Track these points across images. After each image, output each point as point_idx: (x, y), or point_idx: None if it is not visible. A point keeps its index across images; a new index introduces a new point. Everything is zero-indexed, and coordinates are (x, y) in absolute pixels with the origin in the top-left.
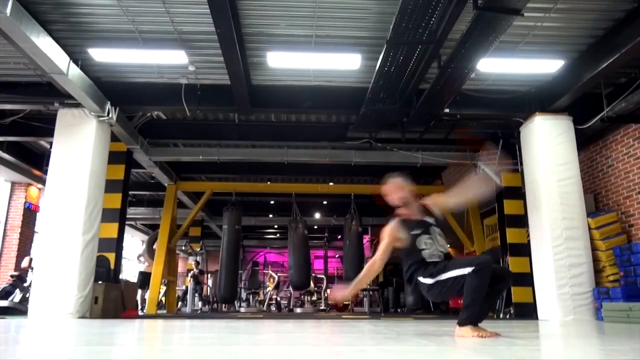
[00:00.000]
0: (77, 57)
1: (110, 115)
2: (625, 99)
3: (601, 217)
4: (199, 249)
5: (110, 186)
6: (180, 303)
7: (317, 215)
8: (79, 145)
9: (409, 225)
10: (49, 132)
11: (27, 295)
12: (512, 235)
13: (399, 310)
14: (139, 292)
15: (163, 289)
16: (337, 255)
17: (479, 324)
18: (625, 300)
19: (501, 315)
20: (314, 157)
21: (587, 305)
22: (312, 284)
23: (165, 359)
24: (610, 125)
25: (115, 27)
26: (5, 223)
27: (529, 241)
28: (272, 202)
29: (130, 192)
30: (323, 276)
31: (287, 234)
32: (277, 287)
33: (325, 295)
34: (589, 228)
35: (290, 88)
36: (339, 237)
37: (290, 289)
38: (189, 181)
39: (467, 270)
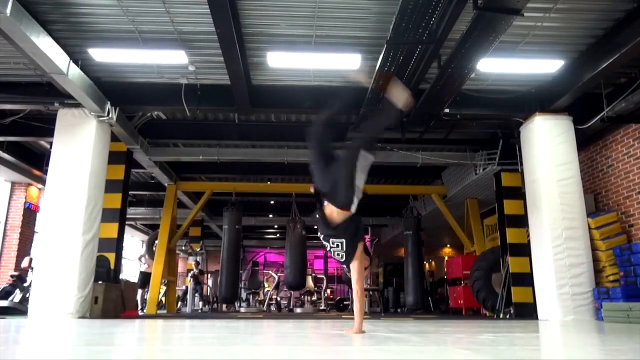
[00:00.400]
0: (77, 57)
1: (110, 115)
2: (625, 99)
3: (601, 217)
4: (199, 249)
5: (110, 186)
6: (180, 303)
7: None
8: (79, 145)
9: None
10: (49, 132)
11: (27, 295)
12: (512, 235)
13: (399, 310)
14: (139, 292)
15: (163, 289)
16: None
17: None
18: (625, 300)
19: (501, 315)
20: None
21: (587, 305)
22: (312, 284)
23: (165, 359)
24: (610, 125)
25: (115, 27)
26: (5, 223)
27: (529, 241)
28: (272, 202)
29: (130, 192)
30: (323, 276)
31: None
32: (276, 287)
33: (325, 295)
34: (589, 228)
35: (290, 88)
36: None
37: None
38: (189, 181)
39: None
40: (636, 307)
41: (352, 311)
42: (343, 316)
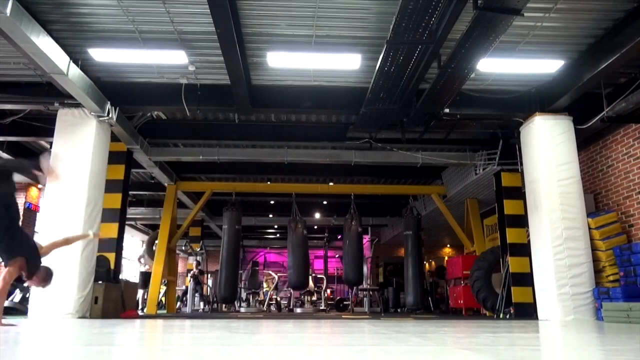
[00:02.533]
0: (77, 57)
1: (110, 115)
2: (625, 99)
3: (601, 217)
4: (199, 249)
5: (110, 186)
6: (180, 303)
7: (317, 215)
8: (79, 145)
9: None
10: (49, 132)
11: (27, 295)
12: (512, 235)
13: (399, 310)
14: (140, 292)
15: (163, 289)
16: (337, 255)
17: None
18: (625, 300)
19: (501, 315)
20: (314, 157)
21: (587, 305)
22: (312, 284)
23: (165, 359)
24: (610, 125)
25: (115, 27)
26: None
27: (529, 241)
28: (272, 202)
29: (130, 192)
30: (323, 276)
31: (287, 234)
32: (276, 287)
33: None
34: (589, 228)
35: (290, 88)
36: (339, 237)
37: (290, 289)
38: (189, 181)
39: None
40: (636, 307)
41: (353, 311)
42: (343, 316)
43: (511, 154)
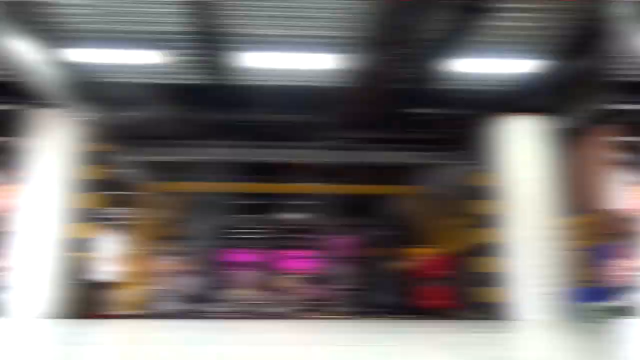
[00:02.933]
0: (56, 57)
1: (91, 116)
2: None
3: (577, 217)
4: (180, 249)
5: (89, 186)
6: (161, 303)
7: (291, 216)
8: (57, 146)
9: None
10: (27, 133)
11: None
12: (486, 235)
13: (376, 310)
14: (115, 292)
15: (143, 288)
16: (315, 255)
17: None
18: (599, 300)
19: (476, 316)
20: (290, 157)
21: (561, 305)
22: (289, 284)
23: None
24: (591, 125)
25: (95, 27)
26: None
27: (503, 241)
28: (261, 202)
29: (113, 192)
30: (304, 277)
31: (275, 235)
32: (253, 287)
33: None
34: (565, 228)
35: (269, 88)
36: (317, 237)
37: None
38: (172, 182)
39: None
40: (608, 307)
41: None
42: (318, 317)
43: (487, 154)
